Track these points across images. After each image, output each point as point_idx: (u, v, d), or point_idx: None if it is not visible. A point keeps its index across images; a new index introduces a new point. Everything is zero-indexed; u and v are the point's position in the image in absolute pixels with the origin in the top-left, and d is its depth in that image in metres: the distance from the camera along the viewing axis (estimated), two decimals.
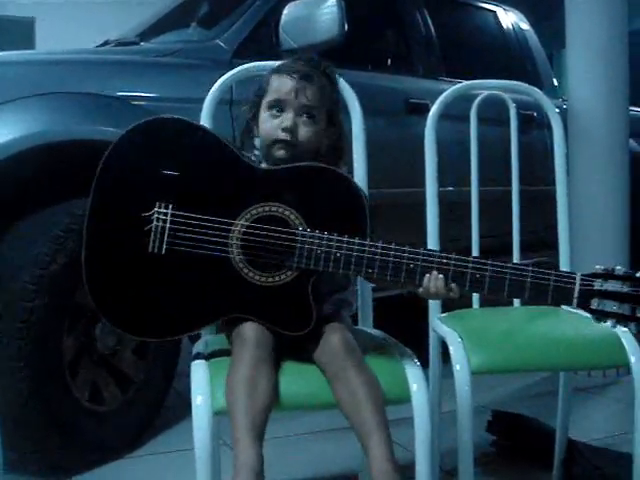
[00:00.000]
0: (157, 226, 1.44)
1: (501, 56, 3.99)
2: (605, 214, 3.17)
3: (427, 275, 1.42)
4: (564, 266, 2.07)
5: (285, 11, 2.60)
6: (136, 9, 3.86)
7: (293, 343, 1.46)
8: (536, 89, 2.22)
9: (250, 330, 1.42)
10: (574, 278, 1.36)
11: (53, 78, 2.28)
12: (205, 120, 1.77)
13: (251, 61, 2.30)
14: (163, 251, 1.43)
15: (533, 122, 3.56)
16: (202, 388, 1.40)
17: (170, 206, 1.44)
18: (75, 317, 2.19)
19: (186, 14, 3.25)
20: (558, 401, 2.14)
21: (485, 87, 2.19)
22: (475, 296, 2.05)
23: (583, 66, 3.22)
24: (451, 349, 1.69)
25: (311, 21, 2.57)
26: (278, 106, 1.57)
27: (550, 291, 1.36)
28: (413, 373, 1.47)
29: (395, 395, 1.44)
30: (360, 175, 1.82)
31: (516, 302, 2.09)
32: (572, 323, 1.87)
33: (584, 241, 3.12)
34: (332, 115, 1.63)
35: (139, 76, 2.47)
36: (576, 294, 1.36)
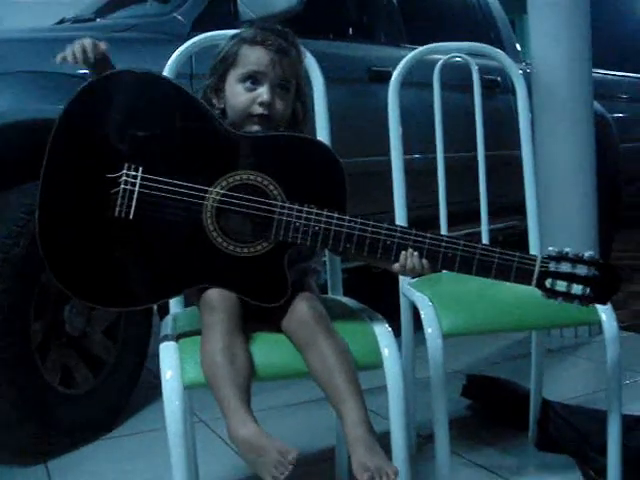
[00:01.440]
0: (125, 189, 1.37)
1: (463, 22, 3.98)
2: (571, 176, 3.18)
3: (404, 252, 1.41)
4: (532, 230, 2.07)
5: None
6: None
7: (259, 312, 1.44)
8: (498, 50, 2.19)
9: (218, 297, 1.39)
10: (535, 260, 1.42)
11: (12, 57, 2.23)
12: None
13: None
14: (131, 216, 1.37)
15: (498, 87, 3.56)
16: (171, 363, 1.37)
17: (140, 168, 1.38)
18: (42, 300, 2.15)
19: None
20: (531, 362, 2.16)
21: (447, 50, 2.16)
22: None
23: (545, 29, 3.21)
24: (422, 313, 1.69)
25: None
26: (253, 79, 1.52)
27: (513, 272, 1.42)
28: (384, 338, 1.46)
29: (367, 361, 1.43)
30: None
31: None
32: None
33: (551, 203, 3.13)
34: (299, 85, 1.60)
35: None
36: (535, 275, 1.42)
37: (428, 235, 1.42)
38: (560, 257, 1.42)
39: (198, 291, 1.44)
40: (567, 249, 1.43)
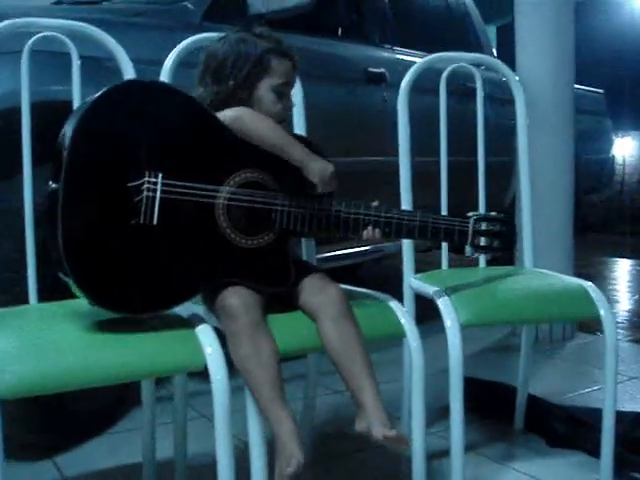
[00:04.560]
0: (148, 196, 1.42)
1: (444, 26, 4.13)
2: (551, 188, 3.30)
3: (369, 227, 1.59)
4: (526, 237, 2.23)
5: None
6: None
7: (273, 294, 1.55)
8: (499, 61, 2.34)
9: (237, 303, 1.46)
10: (468, 222, 1.67)
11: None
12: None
13: (220, 24, 2.32)
14: (155, 221, 1.43)
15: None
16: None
17: (160, 175, 1.43)
18: None
19: None
20: (520, 360, 2.30)
21: (453, 60, 2.25)
22: (444, 257, 2.18)
23: (531, 38, 3.33)
24: (440, 305, 1.79)
25: None
26: (284, 88, 1.63)
27: (456, 234, 1.66)
28: (400, 311, 1.67)
29: (390, 330, 1.65)
30: None
31: (481, 263, 2.22)
32: (539, 279, 2.03)
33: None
34: None
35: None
36: (470, 235, 1.66)
37: (395, 211, 1.62)
38: (483, 218, 1.67)
39: (213, 296, 1.51)
40: (493, 213, 1.71)
